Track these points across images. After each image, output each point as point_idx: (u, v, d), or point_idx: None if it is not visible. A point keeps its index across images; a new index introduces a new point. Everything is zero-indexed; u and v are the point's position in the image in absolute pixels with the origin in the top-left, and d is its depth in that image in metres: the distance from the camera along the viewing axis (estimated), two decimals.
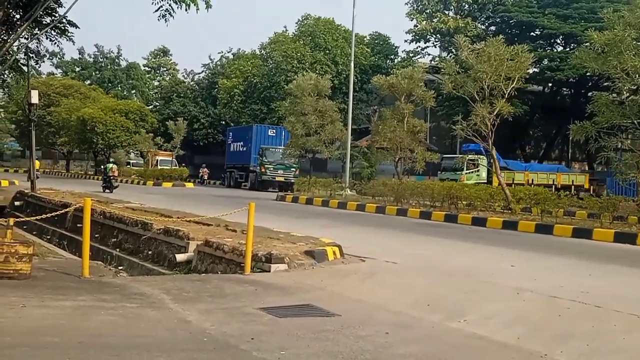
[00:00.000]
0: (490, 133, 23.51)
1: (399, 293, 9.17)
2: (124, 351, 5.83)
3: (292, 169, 42.74)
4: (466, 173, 38.02)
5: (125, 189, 35.84)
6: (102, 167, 36.22)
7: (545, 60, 48.09)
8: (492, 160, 25.53)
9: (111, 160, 37.61)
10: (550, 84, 52.20)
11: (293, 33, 58.19)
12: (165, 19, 14.62)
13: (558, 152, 63.16)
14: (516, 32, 51.07)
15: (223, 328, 6.80)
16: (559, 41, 52.43)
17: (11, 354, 5.51)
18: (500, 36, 25.95)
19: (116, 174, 34.46)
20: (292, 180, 41.30)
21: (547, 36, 50.58)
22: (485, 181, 37.01)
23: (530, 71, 31.37)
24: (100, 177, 37.85)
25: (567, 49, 49.09)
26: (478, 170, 38.93)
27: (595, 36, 20.68)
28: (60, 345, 5.90)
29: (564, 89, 54.13)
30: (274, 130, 45.61)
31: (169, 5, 14.46)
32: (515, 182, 37.25)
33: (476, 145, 34.66)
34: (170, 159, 54.43)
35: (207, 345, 6.23)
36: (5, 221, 9.97)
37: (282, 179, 43.01)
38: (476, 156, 38.25)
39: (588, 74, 36.26)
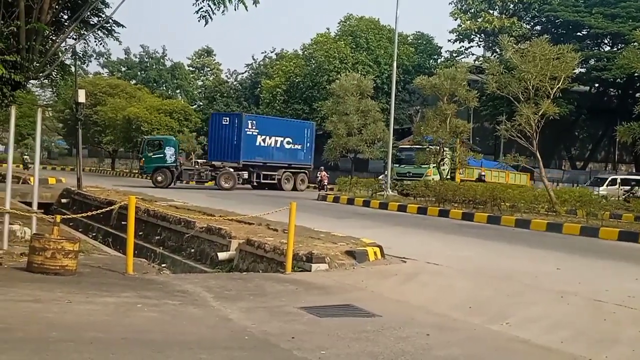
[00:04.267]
0: (535, 134, 23.18)
1: (440, 295, 9.11)
2: (166, 348, 5.91)
3: (141, 159, 37.33)
4: (433, 167, 32.84)
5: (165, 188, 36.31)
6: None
7: (592, 60, 47.31)
8: (538, 164, 25.02)
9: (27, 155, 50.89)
10: (596, 85, 51.34)
11: (335, 33, 58.21)
12: (206, 21, 14.73)
13: (604, 153, 62.08)
14: (562, 31, 50.34)
15: (264, 327, 6.84)
16: (606, 41, 51.51)
17: (57, 349, 5.62)
18: (546, 36, 25.56)
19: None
20: (145, 172, 36.89)
21: (594, 36, 49.73)
22: (449, 177, 33.07)
23: (577, 71, 30.80)
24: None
25: (615, 49, 48.21)
26: (444, 165, 33.42)
27: None
28: (104, 341, 6.00)
29: (611, 89, 53.15)
30: (227, 119, 39.51)
31: (209, 6, 14.55)
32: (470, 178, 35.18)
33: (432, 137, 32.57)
34: None
35: (247, 343, 6.27)
36: (52, 218, 10.16)
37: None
38: (438, 147, 32.20)
39: (636, 74, 35.56)
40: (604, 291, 9.07)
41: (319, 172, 40.70)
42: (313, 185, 43.02)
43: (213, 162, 37.41)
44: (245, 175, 37.98)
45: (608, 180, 37.79)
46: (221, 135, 38.18)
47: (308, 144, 41.02)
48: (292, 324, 7.07)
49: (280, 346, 6.16)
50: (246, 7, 14.59)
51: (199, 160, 39.41)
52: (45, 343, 5.77)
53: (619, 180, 37.96)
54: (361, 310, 7.89)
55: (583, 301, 8.58)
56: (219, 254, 12.80)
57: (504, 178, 38.47)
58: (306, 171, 41.14)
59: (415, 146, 35.30)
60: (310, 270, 10.38)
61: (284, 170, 39.41)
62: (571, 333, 7.12)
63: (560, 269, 11.41)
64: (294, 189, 39.46)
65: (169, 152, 37.16)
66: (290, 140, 40.00)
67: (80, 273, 9.35)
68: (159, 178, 36.09)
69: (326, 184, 39.12)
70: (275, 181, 38.97)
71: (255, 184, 39.19)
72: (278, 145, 39.40)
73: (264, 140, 38.61)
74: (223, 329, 6.80)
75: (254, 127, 38.02)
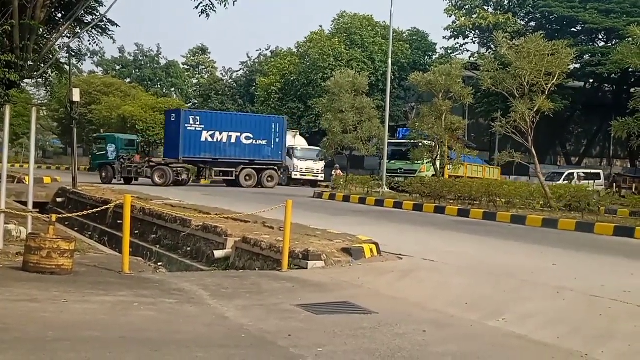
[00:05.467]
0: (530, 130, 23.20)
1: (436, 291, 9.13)
2: (163, 346, 5.91)
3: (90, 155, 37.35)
4: (427, 163, 32.03)
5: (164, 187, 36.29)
6: None
7: (587, 55, 47.35)
8: (533, 160, 25.02)
9: None
10: (591, 80, 51.41)
11: (329, 30, 58.19)
12: (207, 15, 14.75)
13: (599, 149, 62.20)
14: (557, 27, 50.41)
15: (260, 324, 6.85)
16: (600, 36, 51.57)
17: (54, 348, 5.62)
18: (541, 32, 25.50)
19: None
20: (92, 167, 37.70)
21: (589, 31, 49.79)
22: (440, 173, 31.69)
23: (571, 67, 30.79)
24: None
25: (609, 44, 48.29)
26: (435, 160, 31.86)
27: (638, 31, 20.28)
28: (102, 340, 6.00)
29: (606, 84, 53.28)
30: (174, 115, 38.17)
31: (209, 0, 14.60)
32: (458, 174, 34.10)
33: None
34: None
35: (244, 341, 6.28)
36: (48, 217, 10.15)
37: None
38: (433, 144, 30.85)
39: (630, 69, 35.62)
40: (600, 286, 9.09)
41: (334, 171, 39.76)
42: (326, 183, 42.29)
43: (152, 159, 37.27)
44: (191, 172, 37.50)
45: (565, 175, 37.79)
46: (170, 132, 37.91)
47: (277, 140, 38.96)
48: (289, 322, 7.08)
49: (277, 344, 6.17)
50: None
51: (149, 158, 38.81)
52: (42, 342, 5.77)
53: (576, 175, 38.08)
54: (358, 307, 7.91)
55: (579, 297, 8.60)
56: (215, 252, 12.80)
57: (482, 173, 39.12)
58: (275, 168, 39.24)
59: (403, 141, 35.14)
60: (306, 268, 10.39)
61: (243, 166, 37.87)
62: (567, 328, 7.14)
63: (556, 265, 11.44)
64: (261, 186, 37.74)
65: (110, 148, 37.57)
66: (251, 136, 38.11)
67: (77, 272, 9.34)
68: (103, 174, 36.50)
69: (341, 183, 34.96)
70: (233, 178, 37.71)
71: (205, 179, 38.59)
72: (233, 140, 37.62)
73: (212, 136, 37.07)
74: (220, 327, 6.80)
75: (197, 123, 36.79)
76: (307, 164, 44.10)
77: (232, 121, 38.71)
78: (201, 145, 36.79)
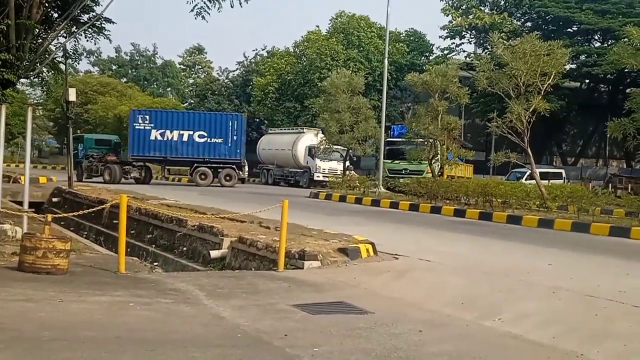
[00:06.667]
0: (526, 130, 23.23)
1: (432, 291, 9.13)
2: (159, 346, 5.91)
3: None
4: (433, 163, 31.28)
5: (161, 186, 36.28)
6: None
7: (583, 55, 47.49)
8: (529, 160, 25.06)
9: None
10: (587, 80, 51.52)
11: (327, 30, 58.24)
12: (203, 17, 14.81)
13: (595, 149, 62.30)
14: (553, 27, 50.53)
15: (256, 324, 6.85)
16: (596, 37, 51.71)
17: (50, 348, 5.62)
18: (537, 32, 25.53)
19: None
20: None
21: (585, 32, 49.94)
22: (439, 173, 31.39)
23: (567, 67, 30.81)
24: None
25: (605, 45, 48.41)
26: (437, 161, 31.59)
27: (634, 32, 20.32)
28: (98, 340, 5.99)
29: (602, 85, 53.38)
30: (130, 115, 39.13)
31: (204, 2, 14.65)
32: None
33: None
34: None
35: (240, 341, 6.28)
36: (43, 217, 10.13)
37: None
38: (431, 143, 30.47)
39: (626, 70, 35.74)
40: (596, 286, 9.10)
41: (347, 171, 39.32)
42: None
43: (107, 157, 37.82)
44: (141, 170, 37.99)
45: (527, 175, 37.77)
46: (128, 132, 38.65)
47: (235, 138, 38.20)
48: (285, 322, 7.08)
49: (273, 344, 6.17)
50: (240, 4, 14.70)
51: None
52: (38, 342, 5.76)
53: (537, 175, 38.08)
54: (354, 307, 7.91)
55: (575, 297, 8.61)
56: (211, 252, 12.79)
57: (463, 171, 39.06)
58: (233, 166, 38.49)
59: (403, 140, 34.98)
60: (302, 268, 10.38)
61: (197, 165, 37.78)
62: (563, 328, 7.14)
63: (552, 265, 11.44)
64: (220, 185, 37.51)
65: (80, 148, 38.95)
66: (204, 134, 37.64)
67: (72, 272, 9.32)
68: (76, 172, 36.74)
69: (358, 185, 33.22)
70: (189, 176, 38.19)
71: (158, 177, 39.38)
72: (185, 139, 37.37)
73: (162, 135, 37.07)
74: (216, 327, 6.80)
75: (145, 122, 36.95)
76: (330, 164, 42.55)
77: (184, 120, 38.53)
78: (150, 144, 37.05)
